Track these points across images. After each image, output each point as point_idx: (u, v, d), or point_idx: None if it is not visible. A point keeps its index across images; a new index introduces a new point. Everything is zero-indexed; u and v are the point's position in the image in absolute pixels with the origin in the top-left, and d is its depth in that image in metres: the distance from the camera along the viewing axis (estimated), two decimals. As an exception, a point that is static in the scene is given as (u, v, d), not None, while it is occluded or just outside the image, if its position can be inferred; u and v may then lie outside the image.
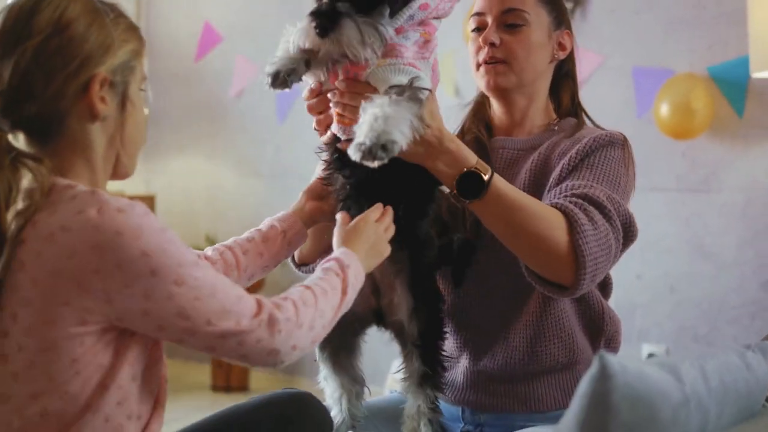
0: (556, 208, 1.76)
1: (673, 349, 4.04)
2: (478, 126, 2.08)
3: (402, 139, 1.57)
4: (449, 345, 1.97)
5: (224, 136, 5.63)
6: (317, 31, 1.62)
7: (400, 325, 1.84)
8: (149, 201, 5.35)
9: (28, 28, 1.38)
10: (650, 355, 3.96)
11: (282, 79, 1.74)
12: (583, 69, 4.11)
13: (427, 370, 1.80)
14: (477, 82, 2.05)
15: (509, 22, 1.98)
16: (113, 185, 5.20)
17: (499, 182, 1.73)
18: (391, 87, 1.62)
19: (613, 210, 1.79)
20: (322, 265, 1.60)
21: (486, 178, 1.70)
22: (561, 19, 2.05)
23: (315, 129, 1.84)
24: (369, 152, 1.53)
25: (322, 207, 1.89)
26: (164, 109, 5.86)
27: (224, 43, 5.57)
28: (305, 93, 1.82)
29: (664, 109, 3.93)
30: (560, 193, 1.82)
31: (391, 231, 1.71)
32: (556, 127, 2.04)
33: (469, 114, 2.15)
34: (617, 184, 1.87)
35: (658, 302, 4.11)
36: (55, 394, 1.32)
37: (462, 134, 2.09)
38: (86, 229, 1.30)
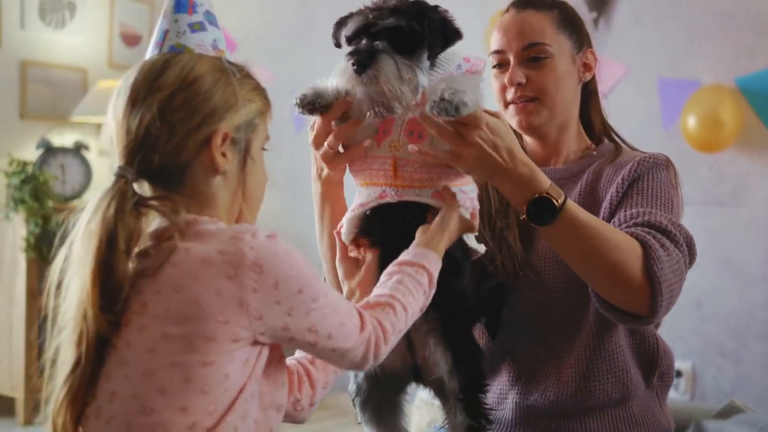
0: (628, 232, 1.73)
1: (700, 365, 3.97)
2: None
3: (472, 104, 1.56)
4: (498, 381, 1.93)
5: (239, 145, 5.57)
6: (355, 67, 1.62)
7: (440, 382, 1.78)
8: (163, 211, 5.28)
9: (156, 83, 1.45)
10: (677, 372, 3.90)
11: (310, 102, 1.71)
12: (607, 80, 4.08)
13: (473, 423, 1.74)
14: (506, 120, 1.99)
15: (532, 56, 1.92)
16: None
17: (573, 208, 1.67)
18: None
19: (679, 234, 1.76)
20: (406, 265, 1.64)
21: (559, 203, 1.65)
22: (582, 39, 1.99)
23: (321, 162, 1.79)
24: (447, 106, 1.55)
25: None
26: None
27: (239, 51, 5.52)
28: (316, 127, 1.75)
29: (692, 122, 3.86)
30: (622, 223, 1.78)
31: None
32: (594, 152, 2.00)
33: None
34: (671, 206, 1.83)
35: (683, 317, 4.03)
36: (204, 409, 1.39)
37: None
38: (245, 252, 1.38)
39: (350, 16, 1.73)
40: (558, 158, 2.00)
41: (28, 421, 4.67)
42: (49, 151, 4.99)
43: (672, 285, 1.69)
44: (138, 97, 1.45)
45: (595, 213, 1.85)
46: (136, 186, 1.45)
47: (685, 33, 4.04)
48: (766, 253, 3.86)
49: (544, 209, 1.65)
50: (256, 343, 1.42)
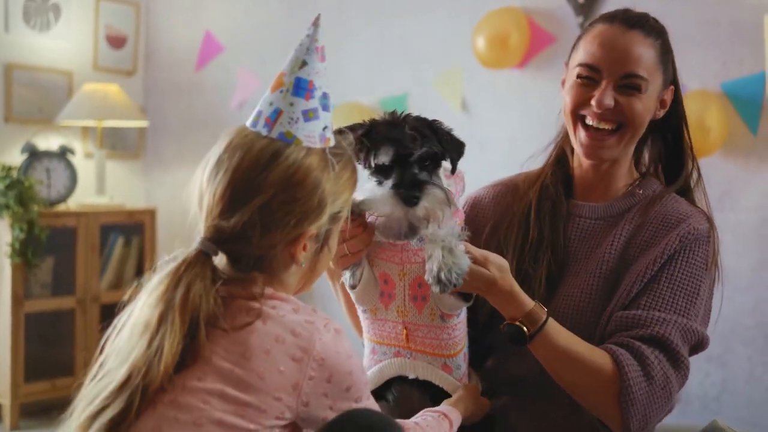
0: (612, 355, 1.77)
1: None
2: (557, 185, 2.04)
3: (463, 269, 1.68)
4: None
5: (226, 148, 5.53)
6: (407, 201, 1.71)
7: None
8: (150, 215, 5.26)
9: (261, 179, 1.47)
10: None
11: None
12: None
13: None
14: (572, 138, 2.00)
15: (627, 84, 1.89)
16: (117, 198, 5.14)
17: (549, 331, 1.76)
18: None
19: (685, 349, 1.81)
20: (429, 412, 1.74)
21: (530, 332, 1.76)
22: (670, 76, 1.96)
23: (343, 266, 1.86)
24: (447, 284, 1.66)
25: None
26: (165, 120, 5.79)
27: (225, 54, 5.49)
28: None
29: (678, 127, 3.85)
30: (630, 325, 1.82)
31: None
32: (639, 191, 2.00)
33: (549, 162, 2.10)
34: (696, 295, 1.86)
35: (670, 322, 4.03)
36: None
37: (540, 188, 2.05)
38: (315, 340, 1.43)
39: (361, 130, 1.78)
40: (603, 193, 2.01)
41: (15, 426, 4.64)
42: (35, 155, 4.96)
43: (648, 412, 1.76)
44: (240, 188, 1.47)
45: (624, 271, 1.89)
46: (215, 259, 1.49)
47: (671, 39, 4.02)
48: (753, 258, 3.86)
49: (518, 333, 1.77)
50: (290, 425, 1.47)
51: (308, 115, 1.53)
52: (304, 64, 1.54)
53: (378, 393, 1.87)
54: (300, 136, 1.51)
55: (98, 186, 5.18)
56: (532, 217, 2.00)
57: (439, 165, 1.81)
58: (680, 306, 1.84)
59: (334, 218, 1.56)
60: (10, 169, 4.75)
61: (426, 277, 1.69)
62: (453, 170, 1.83)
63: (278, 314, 1.46)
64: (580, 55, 1.94)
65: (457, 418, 1.73)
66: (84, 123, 5.19)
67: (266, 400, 1.41)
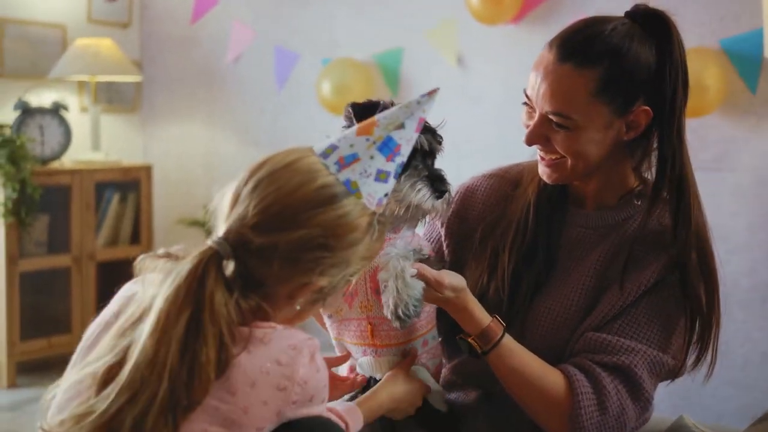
0: (569, 378, 1.74)
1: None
2: (550, 195, 1.94)
3: (419, 301, 1.68)
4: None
5: (222, 103, 5.49)
6: (437, 194, 1.72)
7: None
8: (146, 170, 5.23)
9: (309, 214, 1.43)
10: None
11: None
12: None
13: None
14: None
15: (555, 123, 1.77)
16: (113, 154, 5.10)
17: (503, 350, 1.75)
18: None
19: (651, 382, 1.77)
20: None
21: (483, 349, 1.75)
22: (631, 98, 1.76)
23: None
24: (406, 319, 1.66)
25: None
26: (160, 74, 5.72)
27: (219, 6, 5.40)
28: None
29: (674, 86, 3.75)
30: (597, 348, 1.77)
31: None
32: (638, 201, 1.88)
33: (530, 169, 2.00)
34: (674, 328, 1.79)
35: (665, 284, 3.97)
36: None
37: (538, 189, 1.95)
38: (297, 366, 1.40)
39: (370, 106, 1.75)
40: (595, 200, 1.91)
41: (12, 384, 4.66)
42: (27, 111, 4.91)
43: None
44: (288, 213, 1.42)
45: (605, 289, 1.83)
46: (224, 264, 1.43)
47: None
48: (751, 219, 3.78)
49: (471, 348, 1.77)
50: None
51: (381, 177, 1.50)
52: (401, 126, 1.51)
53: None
54: (363, 192, 1.48)
55: (93, 142, 5.14)
56: (530, 220, 1.92)
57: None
58: (654, 337, 1.77)
59: (347, 280, 1.53)
60: (1, 127, 4.70)
61: (384, 312, 1.69)
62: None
63: (262, 342, 1.42)
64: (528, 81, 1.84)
65: (355, 420, 1.68)
66: (78, 78, 5.12)
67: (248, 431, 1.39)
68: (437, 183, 1.73)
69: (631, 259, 1.81)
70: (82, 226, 4.96)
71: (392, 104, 1.69)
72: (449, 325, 1.87)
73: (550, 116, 1.76)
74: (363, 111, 1.73)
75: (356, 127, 1.51)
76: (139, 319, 1.42)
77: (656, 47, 1.77)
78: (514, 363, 1.76)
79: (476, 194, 2.06)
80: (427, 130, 1.76)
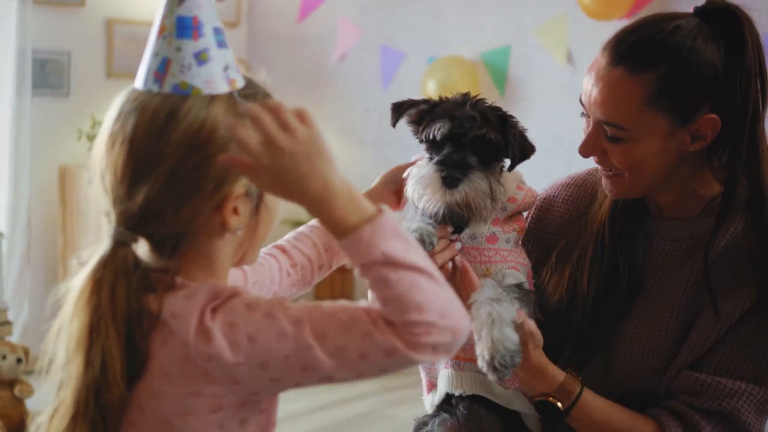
0: (662, 428, 1.57)
1: None
2: (625, 209, 1.73)
3: (518, 351, 1.55)
4: None
5: (327, 102, 5.45)
6: (447, 182, 1.58)
7: None
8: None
9: (161, 146, 1.25)
10: None
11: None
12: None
13: None
14: None
15: (609, 134, 1.58)
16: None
17: (584, 403, 1.61)
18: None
19: (760, 423, 1.57)
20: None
21: (565, 406, 1.61)
22: (692, 107, 1.55)
23: None
24: (504, 370, 1.54)
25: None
26: (268, 72, 5.69)
27: (327, 4, 5.35)
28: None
29: None
30: (695, 391, 1.58)
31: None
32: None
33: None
34: None
35: None
36: None
37: (611, 204, 1.74)
38: (198, 316, 1.24)
39: (424, 106, 1.66)
40: (678, 207, 1.69)
41: None
42: (134, 112, 4.95)
43: None
44: (141, 159, 1.26)
45: (700, 311, 1.63)
46: (135, 247, 1.28)
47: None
48: None
49: (552, 410, 1.63)
50: (246, 402, 1.30)
51: (201, 57, 1.27)
52: (180, 0, 1.28)
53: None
54: (198, 84, 1.26)
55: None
56: (606, 241, 1.72)
57: (499, 160, 1.65)
58: (760, 370, 1.57)
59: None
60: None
61: (479, 363, 1.55)
62: (511, 168, 1.65)
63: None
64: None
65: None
66: (185, 77, 5.14)
67: (184, 401, 1.27)
68: (451, 169, 1.58)
69: (726, 276, 1.60)
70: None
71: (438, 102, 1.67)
72: None
73: (604, 125, 1.58)
74: (397, 108, 1.70)
75: (154, 32, 1.30)
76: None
77: (725, 47, 1.55)
78: (597, 415, 1.60)
79: (554, 205, 1.87)
80: (521, 136, 1.66)
